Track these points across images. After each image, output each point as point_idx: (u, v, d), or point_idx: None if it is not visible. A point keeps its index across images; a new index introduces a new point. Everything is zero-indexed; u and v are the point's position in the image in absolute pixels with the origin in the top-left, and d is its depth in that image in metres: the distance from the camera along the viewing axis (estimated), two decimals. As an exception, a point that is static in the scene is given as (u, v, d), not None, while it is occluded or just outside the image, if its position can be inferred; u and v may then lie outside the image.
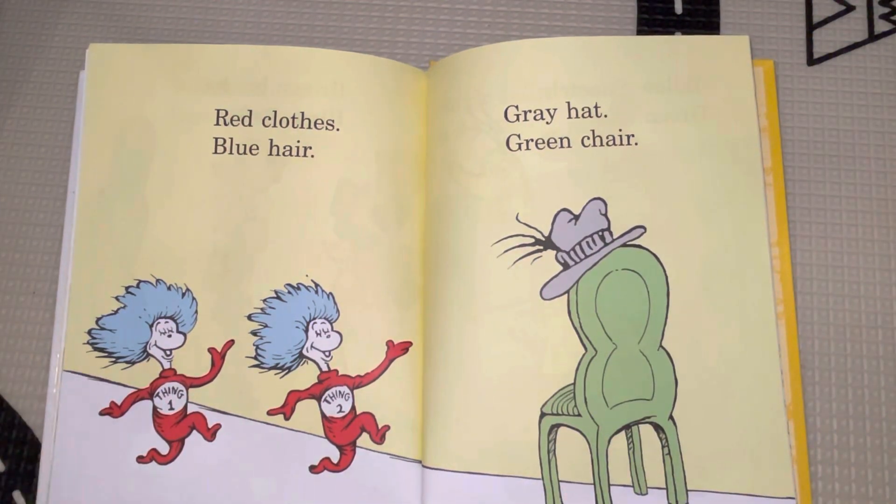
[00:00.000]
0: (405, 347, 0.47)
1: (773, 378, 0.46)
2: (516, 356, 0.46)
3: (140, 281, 0.48)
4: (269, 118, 0.50)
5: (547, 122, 0.49)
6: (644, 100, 0.49)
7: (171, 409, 0.46)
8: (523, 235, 0.47)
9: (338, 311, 0.47)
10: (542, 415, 0.45)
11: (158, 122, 0.50)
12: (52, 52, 0.54)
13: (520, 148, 0.49)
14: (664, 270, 0.47)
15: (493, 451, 0.45)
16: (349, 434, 0.46)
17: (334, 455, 0.45)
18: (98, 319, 0.47)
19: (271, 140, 0.49)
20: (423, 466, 0.45)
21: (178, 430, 0.46)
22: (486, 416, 0.45)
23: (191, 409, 0.46)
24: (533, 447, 0.45)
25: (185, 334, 0.47)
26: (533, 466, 0.45)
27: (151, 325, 0.47)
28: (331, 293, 0.47)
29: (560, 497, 0.44)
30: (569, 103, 0.49)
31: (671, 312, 0.46)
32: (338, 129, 0.49)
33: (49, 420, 0.46)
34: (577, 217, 0.48)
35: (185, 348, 0.47)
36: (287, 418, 0.46)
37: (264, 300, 0.47)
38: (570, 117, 0.49)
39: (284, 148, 0.49)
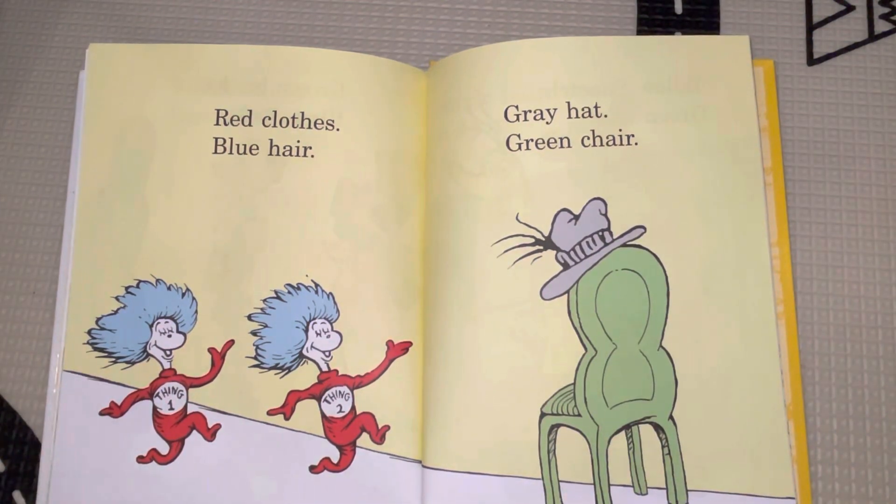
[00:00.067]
0: (405, 347, 0.47)
1: (773, 378, 0.46)
2: (516, 356, 0.46)
3: (140, 281, 0.47)
4: (269, 118, 0.50)
5: (547, 122, 0.49)
6: (644, 100, 0.49)
7: (171, 409, 0.46)
8: (523, 235, 0.47)
9: (338, 311, 0.47)
10: (542, 415, 0.45)
11: (158, 122, 0.50)
12: (52, 52, 0.54)
13: (520, 148, 0.49)
14: (664, 270, 0.47)
15: (493, 451, 0.45)
16: (349, 434, 0.46)
17: (334, 455, 0.45)
18: (98, 319, 0.47)
19: (271, 140, 0.49)
20: (423, 466, 0.45)
21: (178, 430, 0.46)
22: (486, 416, 0.45)
23: (191, 409, 0.46)
24: (533, 447, 0.45)
25: (185, 334, 0.47)
26: (533, 466, 0.45)
27: (151, 325, 0.47)
28: (331, 293, 0.47)
29: (560, 497, 0.44)
30: (569, 103, 0.49)
31: (671, 312, 0.46)
32: (338, 129, 0.49)
33: (49, 420, 0.46)
34: (577, 217, 0.48)
35: (185, 348, 0.47)
36: (287, 418, 0.46)
37: (264, 300, 0.47)
38: (570, 117, 0.49)
39: (284, 148, 0.49)
